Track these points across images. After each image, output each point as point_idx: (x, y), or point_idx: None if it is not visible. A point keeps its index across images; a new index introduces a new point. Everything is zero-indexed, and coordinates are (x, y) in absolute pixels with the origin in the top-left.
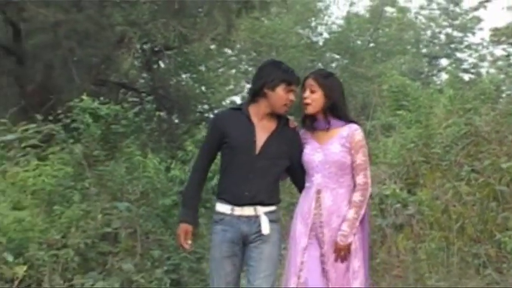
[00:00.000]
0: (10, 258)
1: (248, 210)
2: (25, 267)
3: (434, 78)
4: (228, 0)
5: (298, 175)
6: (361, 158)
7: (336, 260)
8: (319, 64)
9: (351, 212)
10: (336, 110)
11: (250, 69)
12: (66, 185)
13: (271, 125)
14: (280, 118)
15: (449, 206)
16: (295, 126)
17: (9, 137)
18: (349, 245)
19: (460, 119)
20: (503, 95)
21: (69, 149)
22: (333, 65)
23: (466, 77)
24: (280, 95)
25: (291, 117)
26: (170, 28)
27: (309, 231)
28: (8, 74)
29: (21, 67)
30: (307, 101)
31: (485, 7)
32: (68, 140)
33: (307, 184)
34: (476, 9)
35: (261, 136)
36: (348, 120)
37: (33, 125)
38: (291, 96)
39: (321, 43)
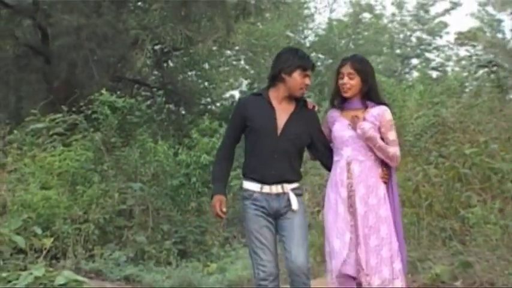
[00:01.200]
0: (39, 231)
1: (276, 189)
2: (52, 239)
3: (407, 75)
4: (227, 8)
5: (321, 151)
6: (393, 135)
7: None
8: None
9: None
10: (371, 92)
11: (247, 67)
12: (87, 168)
13: (290, 107)
14: (298, 100)
15: (419, 186)
16: (313, 106)
17: (39, 125)
18: (392, 216)
19: (429, 111)
20: (466, 90)
21: (90, 136)
22: (318, 63)
23: (434, 74)
24: (297, 79)
25: (308, 99)
26: (177, 32)
27: (347, 200)
28: (37, 71)
29: (48, 66)
30: (347, 86)
31: (450, 13)
32: (89, 129)
33: (336, 158)
34: (442, 15)
35: (282, 118)
36: (379, 102)
37: (59, 116)
38: (307, 81)
39: (307, 45)
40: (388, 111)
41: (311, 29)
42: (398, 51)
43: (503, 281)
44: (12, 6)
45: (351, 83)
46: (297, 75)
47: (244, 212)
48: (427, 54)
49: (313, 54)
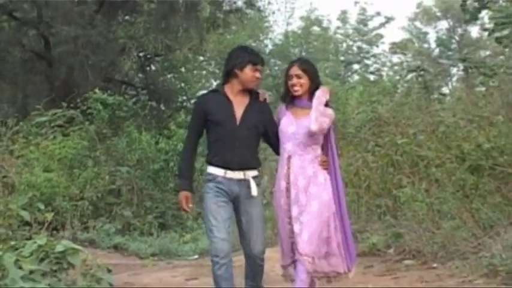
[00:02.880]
0: (42, 207)
1: (238, 174)
2: (52, 214)
3: (349, 78)
4: (200, 21)
5: (272, 139)
6: (324, 119)
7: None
8: (266, 67)
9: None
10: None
11: (216, 71)
12: (82, 154)
13: (245, 100)
14: (251, 93)
15: (359, 170)
16: (265, 97)
17: (42, 119)
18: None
19: (367, 108)
20: (398, 91)
21: (85, 128)
22: (276, 68)
23: (372, 77)
24: (248, 73)
25: (261, 90)
26: (158, 41)
27: (285, 191)
28: (41, 73)
29: (50, 69)
30: (297, 86)
31: (385, 27)
32: (84, 122)
33: (281, 151)
34: (378, 28)
35: (239, 109)
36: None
37: (59, 111)
38: (257, 74)
39: (267, 52)
40: (331, 110)
41: (270, 39)
42: (342, 58)
43: (428, 249)
44: (20, 18)
45: (300, 82)
46: (248, 69)
47: (205, 192)
48: (366, 61)
49: (271, 60)
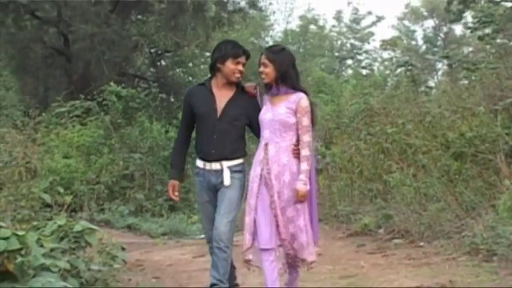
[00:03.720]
0: (61, 190)
1: (215, 165)
2: (71, 197)
3: (343, 73)
4: (206, 20)
5: (258, 130)
6: (306, 121)
7: (294, 203)
8: None
9: (304, 165)
10: (286, 79)
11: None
12: (99, 142)
13: (229, 93)
14: (237, 86)
15: (352, 157)
16: (253, 89)
17: (62, 109)
18: (308, 191)
19: (360, 100)
20: (388, 84)
21: (101, 118)
22: None
23: (364, 72)
24: (230, 67)
25: (248, 84)
26: (168, 38)
27: (259, 178)
28: (60, 68)
29: (69, 64)
30: (262, 75)
31: (376, 25)
32: (100, 112)
33: (260, 138)
34: (370, 26)
35: (221, 102)
36: (298, 89)
37: (77, 102)
38: (239, 67)
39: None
40: (305, 98)
41: (271, 36)
42: (336, 54)
43: (415, 229)
44: (41, 17)
45: (265, 70)
46: (229, 63)
47: (195, 186)
48: (359, 57)
49: None
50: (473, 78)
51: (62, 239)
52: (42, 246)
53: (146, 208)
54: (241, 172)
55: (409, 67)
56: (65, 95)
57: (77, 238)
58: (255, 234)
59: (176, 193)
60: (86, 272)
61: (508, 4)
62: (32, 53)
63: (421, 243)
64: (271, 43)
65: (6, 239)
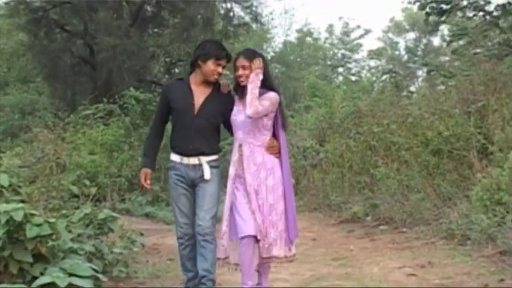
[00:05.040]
0: (87, 183)
1: (193, 160)
2: (96, 188)
3: (335, 79)
4: (215, 32)
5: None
6: (265, 102)
7: (273, 194)
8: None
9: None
10: (266, 82)
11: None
12: (120, 140)
13: (206, 90)
14: (215, 84)
15: (343, 153)
16: (228, 88)
17: (87, 112)
18: (283, 190)
19: (350, 103)
20: (375, 89)
21: (122, 119)
22: (276, 71)
23: (353, 78)
24: (210, 67)
25: (224, 82)
26: (181, 49)
27: (234, 177)
28: (86, 75)
29: (94, 71)
30: (242, 77)
31: (364, 37)
32: (121, 114)
33: (234, 139)
34: (359, 38)
35: (199, 100)
36: (270, 89)
37: (101, 105)
38: (219, 69)
39: (269, 58)
40: (274, 93)
41: (272, 47)
42: (329, 62)
43: (398, 216)
44: (70, 31)
45: (245, 73)
46: (210, 63)
47: (169, 180)
48: (349, 65)
49: (272, 65)
50: (449, 84)
51: (87, 225)
52: (70, 232)
53: (162, 198)
54: (218, 168)
55: (393, 74)
56: (90, 99)
57: (101, 225)
58: (232, 227)
59: (148, 181)
60: (109, 254)
61: (479, 19)
62: (61, 62)
63: (404, 229)
64: (272, 53)
65: (39, 225)
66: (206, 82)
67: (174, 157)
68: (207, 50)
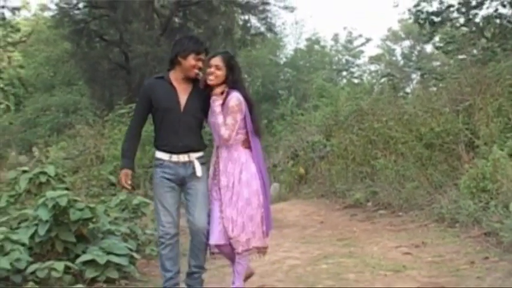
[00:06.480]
0: None
1: (183, 157)
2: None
3: (340, 82)
4: (234, 41)
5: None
6: (230, 119)
7: (247, 188)
8: (281, 74)
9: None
10: (238, 85)
11: (246, 76)
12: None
13: (188, 87)
14: (194, 81)
15: (347, 147)
16: (204, 85)
17: (123, 111)
18: (262, 185)
19: (353, 102)
20: (375, 90)
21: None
22: (288, 75)
23: (356, 81)
24: (191, 62)
25: (201, 77)
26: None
27: (212, 179)
28: (122, 79)
29: (128, 75)
30: (212, 76)
31: (365, 45)
32: None
33: (213, 140)
34: (361, 46)
35: (183, 96)
36: (234, 87)
37: (135, 105)
38: (199, 64)
39: (281, 63)
40: (235, 98)
41: (284, 54)
42: (334, 67)
43: (395, 202)
44: (108, 40)
45: (217, 73)
46: (191, 58)
47: (154, 177)
48: (352, 69)
49: (285, 69)
50: (440, 85)
51: (123, 210)
52: (108, 215)
53: None
54: (205, 164)
55: (391, 77)
56: (125, 100)
57: (135, 209)
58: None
59: (129, 181)
60: (142, 235)
61: (466, 29)
62: (100, 67)
63: (400, 213)
64: (284, 59)
65: (81, 210)
66: (187, 79)
67: (162, 155)
68: (186, 45)
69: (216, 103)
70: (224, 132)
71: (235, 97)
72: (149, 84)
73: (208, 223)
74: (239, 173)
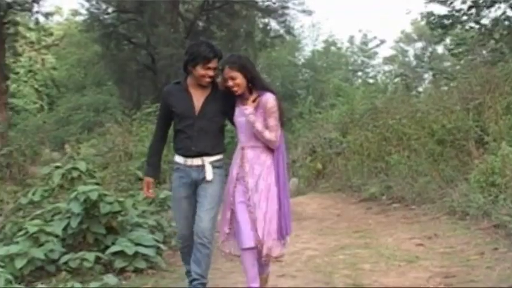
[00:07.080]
0: None
1: (196, 161)
2: None
3: (355, 82)
4: (254, 43)
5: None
6: (272, 121)
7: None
8: (299, 74)
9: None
10: (255, 81)
11: (266, 76)
12: None
13: (205, 91)
14: (213, 84)
15: (362, 143)
16: (225, 87)
17: (149, 110)
18: (278, 189)
19: (368, 101)
20: (389, 90)
21: None
22: (306, 75)
23: (370, 81)
24: (200, 72)
25: (219, 80)
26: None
27: (235, 180)
28: (149, 79)
29: (155, 76)
30: (234, 88)
31: (379, 46)
32: None
33: (238, 141)
34: (375, 47)
35: (198, 101)
36: (265, 90)
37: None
38: (209, 72)
39: (300, 64)
40: (271, 98)
41: (302, 55)
42: (350, 67)
43: (409, 196)
44: (135, 43)
45: (235, 82)
46: (199, 68)
47: (173, 181)
48: (367, 70)
49: (303, 70)
50: (451, 85)
51: (150, 203)
52: (136, 209)
53: None
54: (222, 168)
55: (404, 77)
56: (152, 99)
57: (161, 203)
58: (231, 225)
59: (151, 190)
60: (168, 227)
61: (475, 31)
62: (128, 69)
63: (413, 207)
64: (302, 60)
65: (110, 203)
66: (202, 84)
67: (178, 159)
68: (194, 55)
69: (247, 111)
70: (270, 136)
71: (271, 98)
72: (167, 90)
73: (213, 224)
74: (266, 176)
